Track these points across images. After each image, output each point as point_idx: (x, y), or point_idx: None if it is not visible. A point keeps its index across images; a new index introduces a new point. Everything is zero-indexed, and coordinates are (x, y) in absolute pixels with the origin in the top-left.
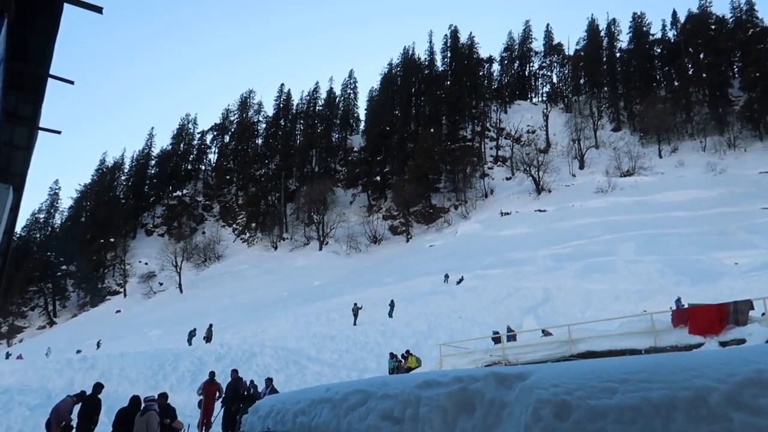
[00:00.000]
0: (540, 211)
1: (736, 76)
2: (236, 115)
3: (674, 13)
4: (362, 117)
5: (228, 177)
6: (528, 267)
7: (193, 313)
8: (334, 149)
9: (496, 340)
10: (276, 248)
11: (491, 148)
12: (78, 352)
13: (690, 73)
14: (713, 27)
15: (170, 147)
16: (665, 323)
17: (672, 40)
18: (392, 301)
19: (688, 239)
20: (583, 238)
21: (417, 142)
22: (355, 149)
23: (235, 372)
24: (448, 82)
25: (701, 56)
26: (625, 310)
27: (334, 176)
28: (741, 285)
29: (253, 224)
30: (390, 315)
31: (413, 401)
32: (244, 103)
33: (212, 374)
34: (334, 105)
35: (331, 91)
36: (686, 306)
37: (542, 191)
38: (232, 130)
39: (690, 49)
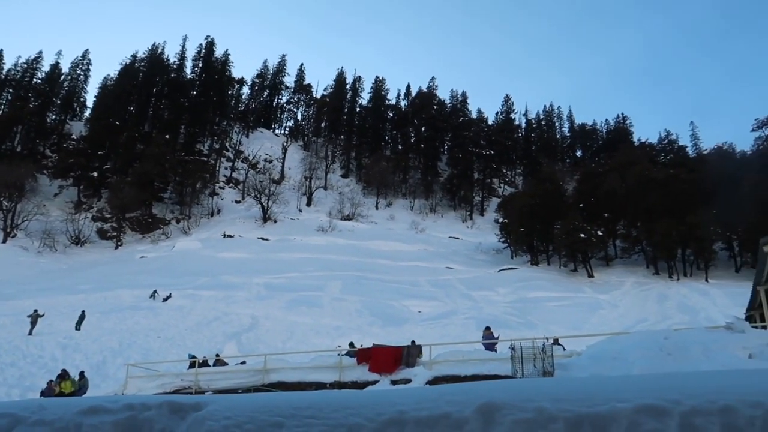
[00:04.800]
0: (263, 239)
1: (445, 153)
2: None
3: (408, 87)
4: (90, 104)
5: None
6: (240, 292)
7: None
8: (46, 131)
9: (192, 364)
10: None
11: (226, 169)
12: None
13: (412, 141)
14: (435, 107)
15: None
16: (351, 360)
17: (403, 109)
18: (83, 312)
19: (387, 285)
20: (297, 272)
21: (148, 145)
22: (74, 137)
23: None
24: (195, 92)
25: (422, 129)
26: (324, 344)
27: (40, 161)
28: (420, 330)
29: None
30: (77, 327)
31: (72, 429)
32: None
33: None
34: (58, 83)
35: (56, 66)
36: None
37: (268, 220)
38: None
39: (415, 121)
